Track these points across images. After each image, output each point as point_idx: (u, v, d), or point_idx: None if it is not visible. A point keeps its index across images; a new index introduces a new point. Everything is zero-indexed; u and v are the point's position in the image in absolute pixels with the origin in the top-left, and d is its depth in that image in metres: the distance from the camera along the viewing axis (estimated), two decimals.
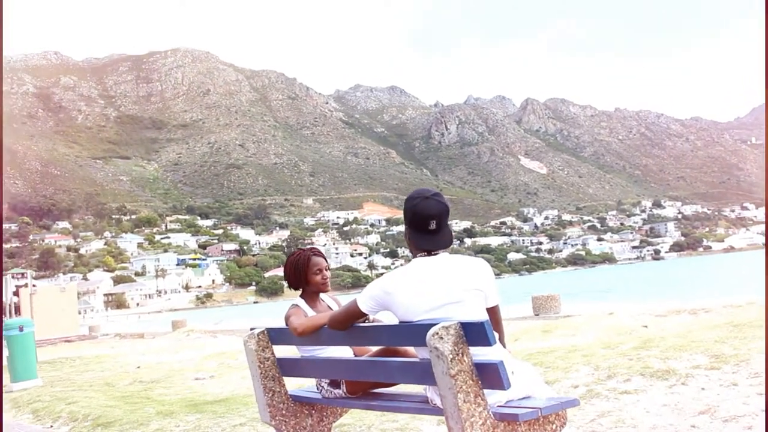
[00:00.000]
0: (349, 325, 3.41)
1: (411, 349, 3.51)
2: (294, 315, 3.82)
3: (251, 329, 4.11)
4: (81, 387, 9.86)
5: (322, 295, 4.09)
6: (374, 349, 3.72)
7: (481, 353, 2.92)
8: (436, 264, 3.12)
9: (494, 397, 2.98)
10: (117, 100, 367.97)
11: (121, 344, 21.96)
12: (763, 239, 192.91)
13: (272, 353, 4.06)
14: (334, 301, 4.15)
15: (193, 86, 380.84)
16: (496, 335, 2.99)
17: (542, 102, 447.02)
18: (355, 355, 3.90)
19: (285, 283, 4.20)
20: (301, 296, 4.02)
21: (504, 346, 3.31)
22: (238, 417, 6.01)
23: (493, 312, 3.25)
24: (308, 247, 4.27)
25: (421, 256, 3.17)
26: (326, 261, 4.07)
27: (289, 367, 4.03)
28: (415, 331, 3.00)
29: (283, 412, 4.00)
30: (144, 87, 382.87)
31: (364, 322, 3.52)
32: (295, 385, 5.02)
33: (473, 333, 2.82)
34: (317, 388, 3.96)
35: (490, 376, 2.83)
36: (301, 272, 3.97)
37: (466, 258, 3.21)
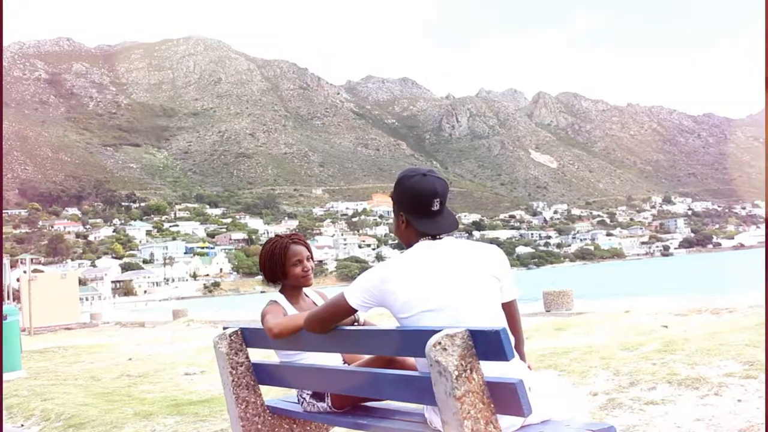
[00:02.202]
0: (331, 326, 2.74)
1: (411, 359, 2.85)
2: (270, 313, 3.14)
3: (224, 328, 3.44)
4: (65, 380, 9.35)
5: (306, 290, 3.43)
6: (367, 356, 3.04)
7: (494, 368, 2.27)
8: (442, 249, 2.59)
9: (507, 421, 2.35)
10: (129, 87, 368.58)
11: (119, 333, 21.47)
12: None
13: (246, 357, 3.40)
14: (321, 297, 3.49)
15: (205, 74, 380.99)
16: (512, 339, 2.31)
17: (554, 96, 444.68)
18: (345, 363, 3.27)
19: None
20: (281, 291, 3.37)
21: (522, 355, 2.78)
22: (221, 421, 5.45)
23: (510, 308, 2.71)
24: (288, 233, 3.55)
25: (423, 239, 2.63)
26: (309, 249, 3.38)
27: (267, 375, 3.36)
28: (412, 338, 2.35)
29: (259, 426, 3.34)
30: (156, 75, 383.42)
31: (353, 324, 2.85)
32: (280, 393, 4.40)
33: (486, 343, 2.16)
34: (298, 401, 3.28)
35: (505, 398, 2.17)
36: (278, 263, 3.29)
37: (477, 243, 2.70)
